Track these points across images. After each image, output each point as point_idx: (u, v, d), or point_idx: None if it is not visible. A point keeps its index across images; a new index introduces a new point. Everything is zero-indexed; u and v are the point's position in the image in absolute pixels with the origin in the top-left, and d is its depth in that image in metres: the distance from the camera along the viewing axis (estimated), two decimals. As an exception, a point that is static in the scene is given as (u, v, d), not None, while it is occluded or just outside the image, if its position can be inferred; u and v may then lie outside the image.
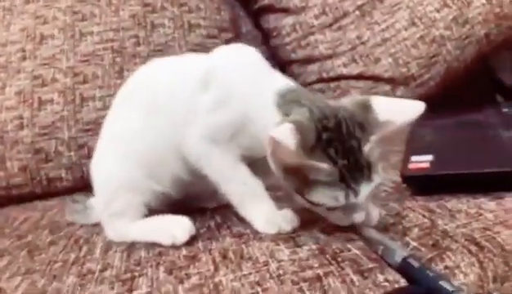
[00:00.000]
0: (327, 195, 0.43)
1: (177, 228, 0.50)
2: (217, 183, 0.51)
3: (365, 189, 0.43)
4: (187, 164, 0.53)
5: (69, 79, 0.89)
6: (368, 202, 0.45)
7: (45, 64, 0.89)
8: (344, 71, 0.98)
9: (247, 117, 0.49)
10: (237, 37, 1.05)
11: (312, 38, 1.02)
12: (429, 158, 0.50)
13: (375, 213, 0.47)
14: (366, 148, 0.43)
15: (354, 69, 0.97)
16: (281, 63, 1.06)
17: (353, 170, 0.43)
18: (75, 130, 0.84)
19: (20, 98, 0.86)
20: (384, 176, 0.47)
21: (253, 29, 1.18)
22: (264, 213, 0.49)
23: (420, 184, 0.47)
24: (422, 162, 0.49)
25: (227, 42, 1.00)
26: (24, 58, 0.89)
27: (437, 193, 0.47)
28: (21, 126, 0.84)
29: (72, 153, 0.84)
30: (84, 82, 0.88)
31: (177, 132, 0.53)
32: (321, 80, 1.01)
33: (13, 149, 0.83)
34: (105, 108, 0.86)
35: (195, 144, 0.52)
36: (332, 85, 0.99)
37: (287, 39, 1.05)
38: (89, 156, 0.84)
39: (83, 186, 0.79)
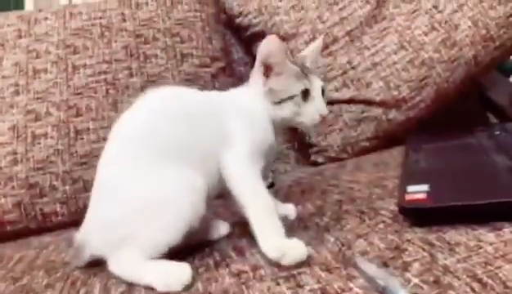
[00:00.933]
0: (297, 84, 0.63)
1: (173, 276, 0.50)
2: (245, 201, 0.57)
3: (315, 80, 0.65)
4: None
5: (63, 113, 0.87)
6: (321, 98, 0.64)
7: (38, 98, 0.89)
8: (336, 95, 0.98)
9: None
10: (229, 66, 1.06)
11: None
12: (425, 188, 0.50)
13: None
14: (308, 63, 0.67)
15: (346, 94, 0.98)
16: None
17: (307, 70, 0.64)
18: (70, 164, 0.83)
19: (13, 133, 0.85)
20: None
21: (244, 56, 1.19)
22: (272, 238, 0.53)
23: (418, 216, 0.47)
24: (419, 192, 0.49)
25: (219, 70, 1.01)
26: (17, 93, 0.89)
27: (436, 224, 0.47)
28: (15, 162, 0.83)
29: (67, 188, 0.83)
30: (78, 115, 0.87)
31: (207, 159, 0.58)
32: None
33: (7, 186, 0.82)
34: (100, 140, 0.86)
35: (235, 167, 0.59)
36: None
37: None
38: (84, 189, 0.83)
39: (79, 220, 0.78)
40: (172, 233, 0.53)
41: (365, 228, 0.52)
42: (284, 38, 1.06)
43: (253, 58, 1.16)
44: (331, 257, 0.46)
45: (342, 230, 0.53)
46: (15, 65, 0.93)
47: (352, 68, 0.99)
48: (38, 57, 0.93)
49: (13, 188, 0.82)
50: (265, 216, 0.54)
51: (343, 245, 0.49)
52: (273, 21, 1.07)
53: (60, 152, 0.86)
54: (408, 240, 0.46)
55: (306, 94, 0.62)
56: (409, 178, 0.55)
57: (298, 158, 1.07)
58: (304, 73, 0.62)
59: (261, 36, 1.11)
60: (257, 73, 0.64)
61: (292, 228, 0.58)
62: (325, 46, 1.02)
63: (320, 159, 0.99)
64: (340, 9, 1.03)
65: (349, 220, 0.56)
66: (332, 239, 0.52)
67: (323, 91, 0.64)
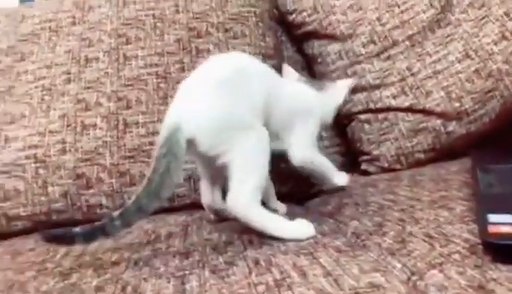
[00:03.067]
0: None
1: (301, 228, 0.62)
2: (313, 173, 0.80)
3: None
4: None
5: (113, 104, 0.88)
6: None
7: (89, 88, 0.88)
8: (393, 103, 0.93)
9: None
10: (281, 64, 1.02)
11: (358, 67, 0.98)
12: (510, 219, 0.45)
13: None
14: None
15: (403, 102, 0.92)
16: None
17: None
18: (117, 156, 0.81)
19: (63, 122, 0.84)
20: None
21: (294, 54, 1.15)
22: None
23: (504, 252, 0.42)
24: (504, 224, 0.44)
25: (272, 68, 0.96)
26: (68, 81, 0.87)
27: (523, 261, 0.42)
28: (64, 151, 0.82)
29: (113, 180, 0.81)
30: (128, 107, 0.85)
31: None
32: (367, 110, 0.96)
33: (55, 174, 0.81)
34: (148, 134, 0.84)
35: (302, 153, 0.77)
36: (380, 116, 0.94)
37: (332, 67, 1.01)
38: (130, 183, 0.81)
39: None
40: (262, 170, 0.62)
41: (437, 256, 0.47)
42: (339, 39, 1.02)
43: (304, 56, 1.12)
44: (403, 289, 0.42)
45: (409, 256, 0.49)
46: (67, 53, 0.91)
47: (412, 74, 0.93)
48: (90, 46, 0.91)
49: (61, 177, 0.81)
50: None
51: (412, 274, 0.45)
52: (329, 20, 1.02)
53: (108, 144, 0.85)
54: (493, 279, 0.41)
55: None
56: (487, 204, 0.50)
57: (344, 164, 1.02)
58: None
59: (314, 35, 1.06)
60: None
61: (350, 244, 0.54)
62: (384, 49, 0.96)
63: (371, 169, 0.94)
64: (402, 11, 0.97)
65: (416, 244, 0.52)
66: (399, 266, 0.47)
67: None
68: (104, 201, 0.81)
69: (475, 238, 0.48)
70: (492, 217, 0.47)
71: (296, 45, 1.11)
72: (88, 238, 0.55)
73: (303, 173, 0.78)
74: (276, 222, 0.60)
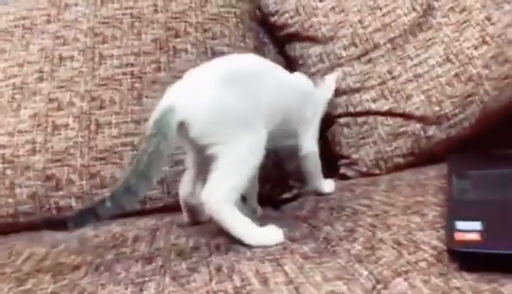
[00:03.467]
0: None
1: (269, 235, 0.61)
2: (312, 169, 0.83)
3: None
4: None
5: (86, 104, 0.86)
6: None
7: (62, 87, 0.86)
8: (373, 106, 0.92)
9: None
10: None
11: (339, 70, 0.96)
12: (478, 226, 0.44)
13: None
14: None
15: (383, 105, 0.91)
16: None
17: None
18: (88, 157, 0.79)
19: (34, 121, 0.82)
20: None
21: (276, 56, 1.13)
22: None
23: (469, 260, 0.40)
24: (471, 232, 0.42)
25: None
26: (41, 79, 0.85)
27: (489, 270, 0.40)
28: (33, 152, 0.80)
29: (84, 182, 0.79)
30: (101, 107, 0.83)
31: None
32: (347, 114, 0.95)
33: (23, 175, 0.79)
34: (121, 135, 0.81)
35: (313, 143, 0.82)
36: (359, 120, 0.93)
37: (313, 69, 1.00)
38: (101, 186, 0.79)
39: None
40: (248, 172, 0.61)
41: (404, 264, 0.46)
42: (320, 41, 1.01)
43: (286, 59, 1.11)
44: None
45: (377, 263, 0.47)
46: (41, 51, 0.89)
47: (393, 78, 0.92)
48: (65, 44, 0.89)
49: (29, 178, 0.78)
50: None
51: (378, 282, 0.43)
52: (310, 22, 1.01)
53: (79, 144, 0.83)
54: (457, 287, 0.40)
55: None
56: (457, 211, 0.49)
57: (322, 168, 0.99)
58: None
59: (296, 37, 1.05)
60: None
61: (318, 250, 0.52)
62: (365, 52, 0.95)
63: (349, 173, 0.93)
64: (383, 14, 0.96)
65: (385, 251, 0.50)
66: (365, 273, 0.46)
67: None
68: (74, 203, 0.79)
69: (443, 246, 0.47)
70: (460, 224, 0.45)
71: (278, 47, 1.09)
72: (80, 222, 0.54)
73: (302, 167, 0.82)
74: (245, 226, 0.59)
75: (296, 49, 1.05)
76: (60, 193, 0.81)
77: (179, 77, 0.89)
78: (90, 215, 0.53)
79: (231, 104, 0.58)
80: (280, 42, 1.09)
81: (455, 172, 0.67)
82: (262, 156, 0.60)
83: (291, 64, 1.05)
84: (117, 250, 0.61)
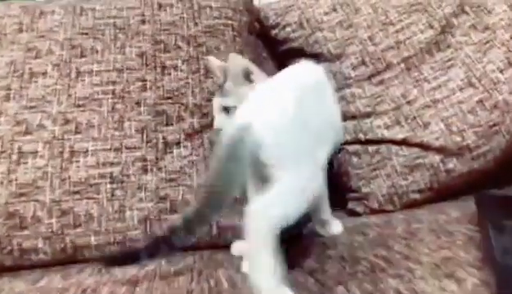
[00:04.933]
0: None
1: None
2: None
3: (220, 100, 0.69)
4: None
5: (59, 127, 0.77)
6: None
7: (31, 107, 0.76)
8: (386, 134, 0.82)
9: None
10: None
11: (347, 92, 0.87)
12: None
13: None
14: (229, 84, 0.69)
15: (398, 133, 0.81)
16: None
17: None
18: (60, 191, 0.72)
19: (-4, 147, 0.70)
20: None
21: (276, 72, 1.02)
22: None
23: None
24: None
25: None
26: (7, 98, 0.74)
27: None
28: (-6, 183, 0.68)
29: (53, 220, 0.71)
30: (76, 131, 0.72)
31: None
32: (356, 141, 0.85)
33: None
34: (99, 165, 0.70)
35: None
36: (370, 149, 0.84)
37: None
38: (74, 225, 0.67)
39: (63, 261, 0.71)
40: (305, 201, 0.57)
41: None
42: (326, 59, 0.93)
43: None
44: None
45: None
46: (10, 64, 0.77)
47: (408, 102, 0.83)
48: (37, 57, 0.78)
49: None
50: None
51: None
52: (315, 38, 0.92)
53: (49, 175, 0.73)
54: None
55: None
56: (503, 280, 0.38)
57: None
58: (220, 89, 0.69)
59: (299, 52, 0.94)
60: None
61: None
62: (376, 73, 0.85)
63: (359, 209, 0.82)
64: (397, 31, 0.87)
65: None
66: None
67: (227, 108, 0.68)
68: (41, 244, 0.68)
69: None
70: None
71: (278, 62, 0.99)
72: (153, 253, 0.57)
73: None
74: (264, 271, 0.52)
75: None
76: (25, 232, 0.71)
77: (167, 99, 0.79)
78: (163, 245, 0.56)
79: (302, 128, 0.59)
80: (280, 58, 0.98)
81: (490, 222, 0.57)
82: (322, 176, 0.62)
83: None
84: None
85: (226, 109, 0.69)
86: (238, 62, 0.71)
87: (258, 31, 1.00)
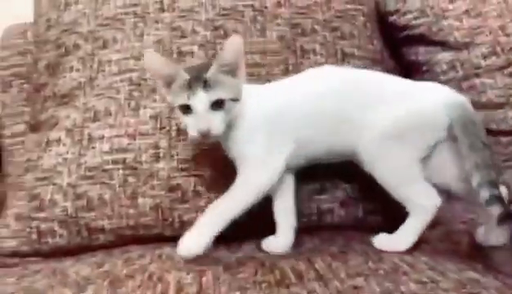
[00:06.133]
0: (179, 95, 0.67)
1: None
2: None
3: (201, 96, 0.66)
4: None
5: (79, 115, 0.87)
6: (203, 114, 0.67)
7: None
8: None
9: None
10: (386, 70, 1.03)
11: (477, 81, 0.93)
12: None
13: None
14: (210, 70, 0.67)
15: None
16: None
17: (196, 81, 0.67)
18: (76, 176, 0.79)
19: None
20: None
21: (389, 60, 1.05)
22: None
23: None
24: None
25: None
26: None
27: None
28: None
29: (68, 204, 0.76)
30: (94, 119, 0.85)
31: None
32: (487, 132, 0.85)
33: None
34: (112, 151, 0.80)
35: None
36: (504, 140, 0.83)
37: (442, 77, 1.00)
38: (87, 208, 0.77)
39: (76, 248, 0.76)
40: None
41: None
42: (452, 47, 0.96)
43: (401, 63, 1.02)
44: None
45: None
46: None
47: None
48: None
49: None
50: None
51: None
52: (440, 25, 0.99)
53: (67, 161, 0.82)
54: None
55: (186, 108, 0.70)
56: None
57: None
58: (190, 85, 0.69)
59: (420, 40, 0.96)
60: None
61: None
62: (507, 64, 0.85)
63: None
64: (532, 19, 0.92)
65: None
66: None
67: (219, 105, 0.69)
68: (57, 227, 0.77)
69: None
70: None
71: (393, 49, 1.01)
72: None
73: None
74: None
75: (420, 53, 1.01)
76: (42, 214, 0.80)
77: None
78: None
79: None
80: (397, 44, 1.01)
81: None
82: None
83: (408, 70, 1.03)
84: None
85: (219, 104, 0.69)
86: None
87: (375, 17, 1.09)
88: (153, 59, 0.65)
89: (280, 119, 0.68)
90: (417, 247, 0.66)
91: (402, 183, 0.67)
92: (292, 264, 0.61)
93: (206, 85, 0.64)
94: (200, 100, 0.64)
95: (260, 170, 0.66)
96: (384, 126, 0.67)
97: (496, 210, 0.62)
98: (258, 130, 0.67)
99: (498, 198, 0.61)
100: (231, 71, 0.65)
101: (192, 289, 0.55)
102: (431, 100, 0.69)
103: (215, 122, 0.64)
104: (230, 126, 0.66)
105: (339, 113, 0.68)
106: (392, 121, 0.67)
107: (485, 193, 0.62)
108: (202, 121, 0.64)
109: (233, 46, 0.64)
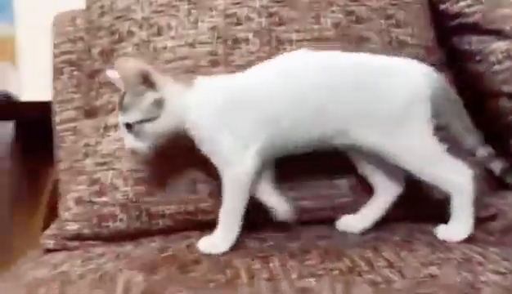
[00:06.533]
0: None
1: None
2: None
3: (120, 118, 0.70)
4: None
5: None
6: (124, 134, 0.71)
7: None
8: None
9: None
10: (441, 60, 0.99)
11: None
12: None
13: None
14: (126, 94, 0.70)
15: None
16: (482, 92, 0.94)
17: (119, 103, 0.70)
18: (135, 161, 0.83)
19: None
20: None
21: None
22: None
23: None
24: None
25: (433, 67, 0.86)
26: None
27: None
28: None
29: (128, 188, 0.78)
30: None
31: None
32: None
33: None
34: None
35: None
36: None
37: (497, 67, 1.01)
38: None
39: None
40: None
41: None
42: (507, 36, 0.93)
43: (450, 51, 1.02)
44: None
45: None
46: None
47: None
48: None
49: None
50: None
51: None
52: (495, 14, 0.94)
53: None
54: None
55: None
56: None
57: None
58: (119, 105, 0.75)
59: (473, 29, 0.96)
60: None
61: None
62: None
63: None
64: None
65: None
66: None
67: (129, 127, 0.71)
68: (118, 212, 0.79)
69: None
70: None
71: (441, 38, 1.03)
72: None
73: None
74: None
75: (472, 42, 1.02)
76: (103, 198, 0.82)
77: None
78: None
79: None
80: (445, 33, 1.04)
81: None
82: None
83: (458, 59, 0.99)
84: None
85: (130, 126, 0.72)
86: (129, 67, 0.70)
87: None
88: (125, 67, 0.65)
89: (241, 112, 0.65)
90: (482, 238, 0.65)
91: (425, 164, 0.66)
92: (359, 252, 0.60)
93: (122, 108, 0.67)
94: (120, 121, 0.68)
95: (235, 167, 0.63)
96: (377, 109, 0.64)
97: (497, 166, 0.66)
98: (218, 126, 0.64)
99: (495, 155, 0.67)
100: (144, 90, 0.63)
101: (263, 275, 0.55)
102: (412, 72, 0.67)
103: (132, 142, 0.66)
104: (188, 129, 0.66)
105: (315, 102, 0.65)
106: (383, 102, 0.64)
107: (483, 152, 0.67)
108: (125, 140, 0.69)
109: (121, 72, 0.63)
